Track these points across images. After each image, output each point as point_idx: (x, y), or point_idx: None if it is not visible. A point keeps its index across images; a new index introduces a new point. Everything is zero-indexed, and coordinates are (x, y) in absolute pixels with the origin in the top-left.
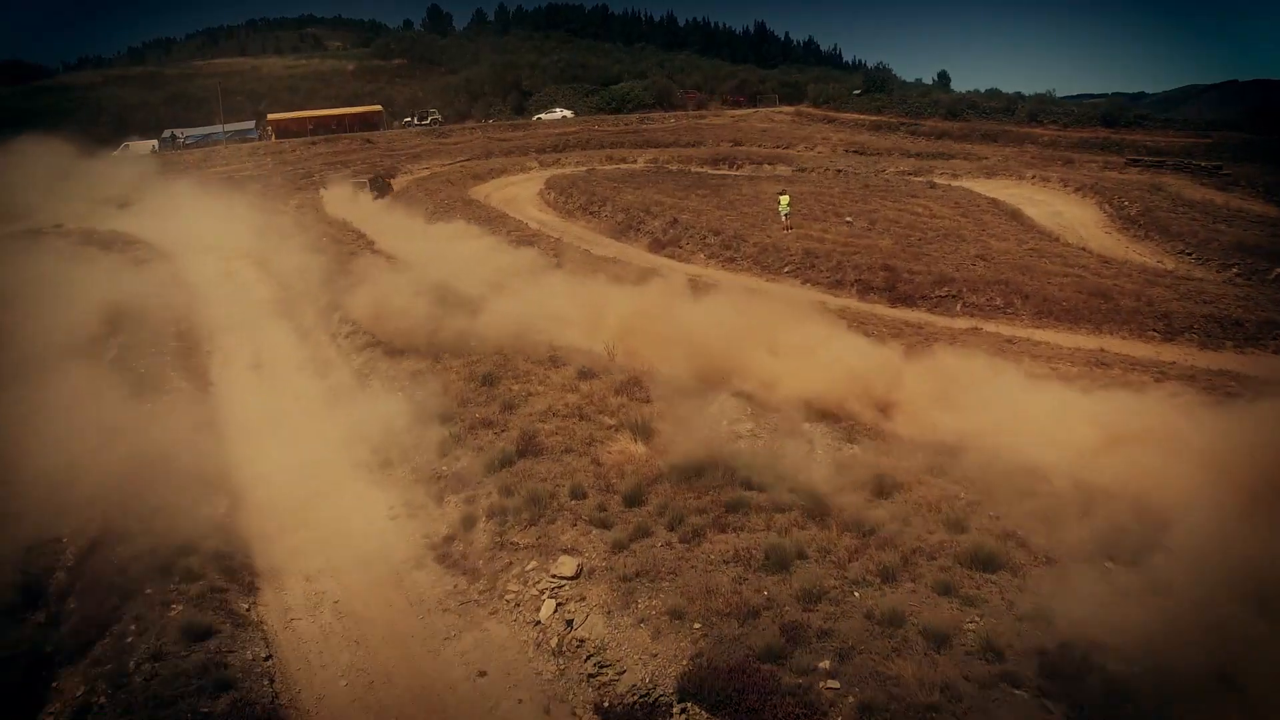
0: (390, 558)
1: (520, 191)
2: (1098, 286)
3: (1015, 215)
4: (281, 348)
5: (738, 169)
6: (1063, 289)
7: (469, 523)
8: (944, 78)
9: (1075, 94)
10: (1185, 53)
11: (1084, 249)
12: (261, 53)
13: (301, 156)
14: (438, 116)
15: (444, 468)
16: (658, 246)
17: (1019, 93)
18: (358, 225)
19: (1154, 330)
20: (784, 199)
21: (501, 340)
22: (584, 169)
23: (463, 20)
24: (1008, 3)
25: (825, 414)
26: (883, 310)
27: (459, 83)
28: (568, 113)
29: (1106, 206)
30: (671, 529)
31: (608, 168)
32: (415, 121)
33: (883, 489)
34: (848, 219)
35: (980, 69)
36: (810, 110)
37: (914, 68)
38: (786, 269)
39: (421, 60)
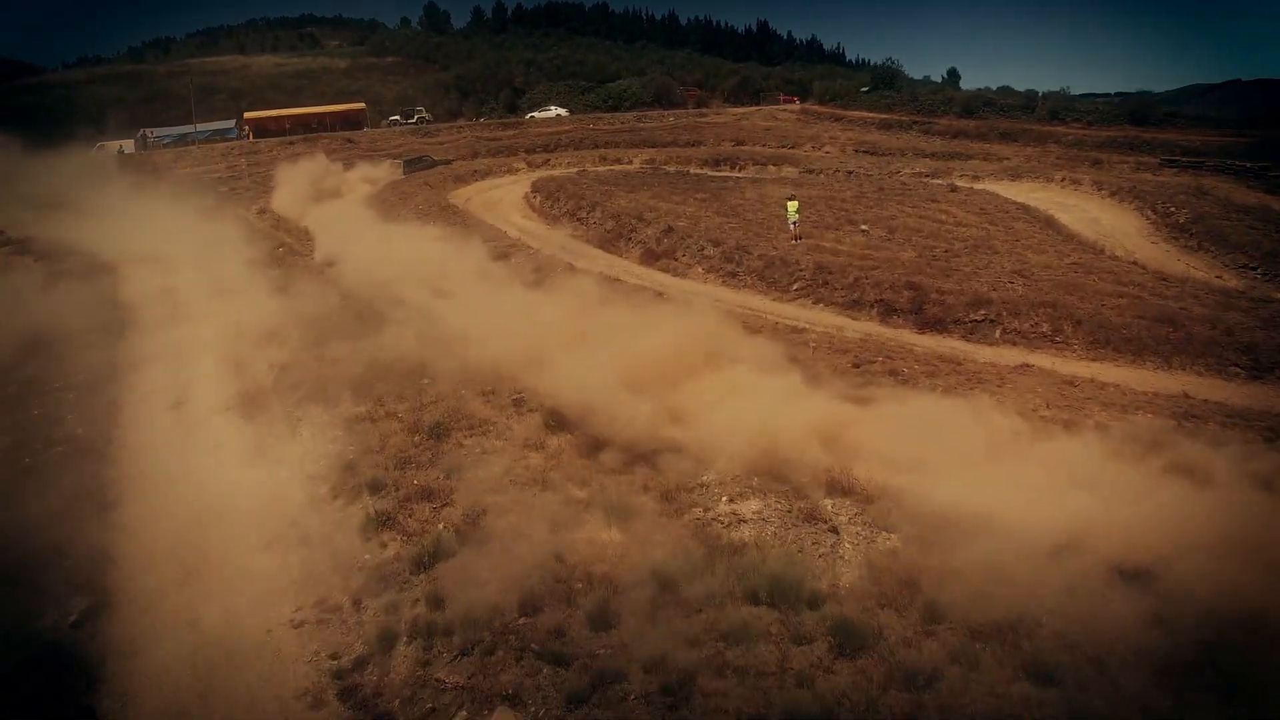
0: (282, 692)
1: (504, 195)
2: (1162, 311)
3: (1049, 223)
4: (210, 381)
5: (740, 170)
6: (1120, 313)
7: (387, 641)
8: (954, 75)
9: (1080, 94)
10: (1189, 52)
11: (1134, 263)
12: (259, 52)
13: (276, 157)
14: (425, 115)
15: (367, 556)
16: (650, 258)
17: (1033, 90)
18: (316, 233)
19: (1237, 366)
20: (792, 205)
21: (460, 378)
22: (575, 170)
23: (461, 19)
24: (1012, 2)
25: (850, 489)
26: (910, 338)
27: (450, 80)
28: (562, 111)
29: (1149, 212)
30: (649, 670)
31: (600, 169)
32: (401, 120)
33: (937, 611)
34: (863, 227)
35: (984, 67)
36: (816, 108)
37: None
38: (796, 287)
39: (416, 58)
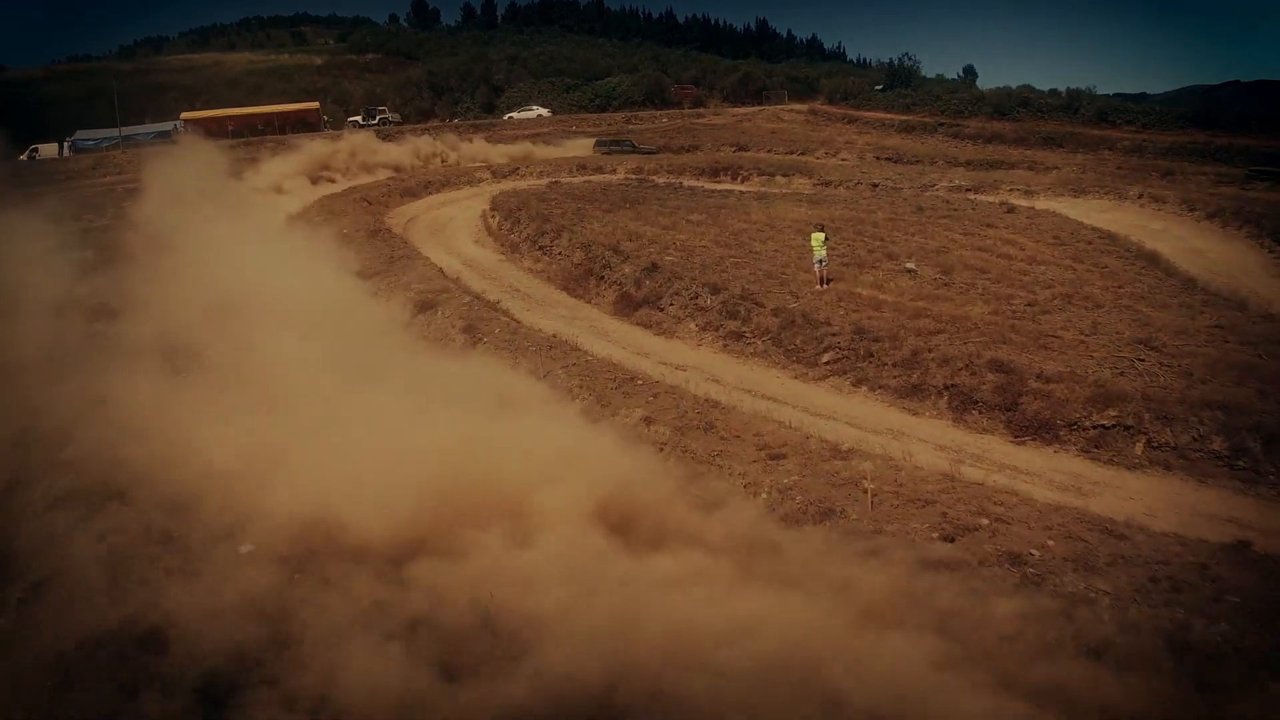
0: None
1: (458, 212)
2: None
3: (1151, 259)
4: None
5: (743, 183)
6: None
7: None
8: (970, 73)
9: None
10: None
11: None
12: (249, 50)
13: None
14: (388, 115)
15: None
16: (627, 307)
17: (1057, 89)
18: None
19: None
20: (818, 237)
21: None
22: (547, 182)
23: (453, 17)
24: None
25: None
26: (1001, 449)
27: (421, 77)
28: (544, 111)
29: (1266, 241)
30: None
31: (576, 180)
32: (362, 121)
33: None
34: (909, 265)
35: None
36: (826, 108)
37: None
38: (827, 359)
39: (397, 55)
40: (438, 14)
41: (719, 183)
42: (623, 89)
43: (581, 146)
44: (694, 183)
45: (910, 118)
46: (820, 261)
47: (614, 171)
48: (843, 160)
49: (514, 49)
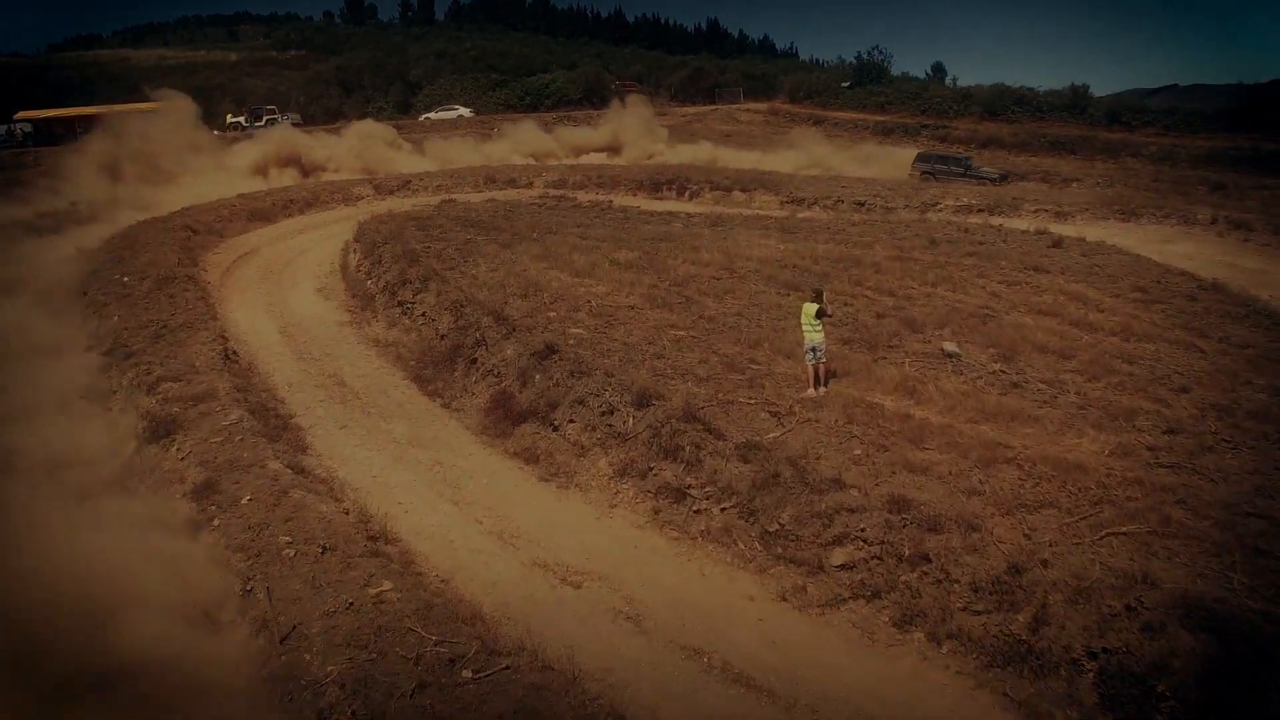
0: None
1: (314, 244)
2: None
3: None
4: None
5: (692, 199)
6: None
7: None
8: (940, 71)
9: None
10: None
11: None
12: (184, 48)
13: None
14: (277, 116)
15: None
16: (504, 419)
17: (1032, 87)
18: None
19: None
20: (810, 311)
21: None
22: (439, 199)
23: (389, 13)
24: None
25: None
26: None
27: (329, 73)
28: (466, 111)
29: None
30: None
31: (477, 198)
32: (245, 124)
33: None
34: (947, 344)
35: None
36: (788, 107)
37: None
38: (840, 560)
39: (322, 51)
40: (374, 10)
41: (661, 200)
42: (557, 86)
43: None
44: (629, 201)
45: (886, 118)
46: (815, 350)
47: (529, 185)
48: (814, 170)
49: (443, 44)
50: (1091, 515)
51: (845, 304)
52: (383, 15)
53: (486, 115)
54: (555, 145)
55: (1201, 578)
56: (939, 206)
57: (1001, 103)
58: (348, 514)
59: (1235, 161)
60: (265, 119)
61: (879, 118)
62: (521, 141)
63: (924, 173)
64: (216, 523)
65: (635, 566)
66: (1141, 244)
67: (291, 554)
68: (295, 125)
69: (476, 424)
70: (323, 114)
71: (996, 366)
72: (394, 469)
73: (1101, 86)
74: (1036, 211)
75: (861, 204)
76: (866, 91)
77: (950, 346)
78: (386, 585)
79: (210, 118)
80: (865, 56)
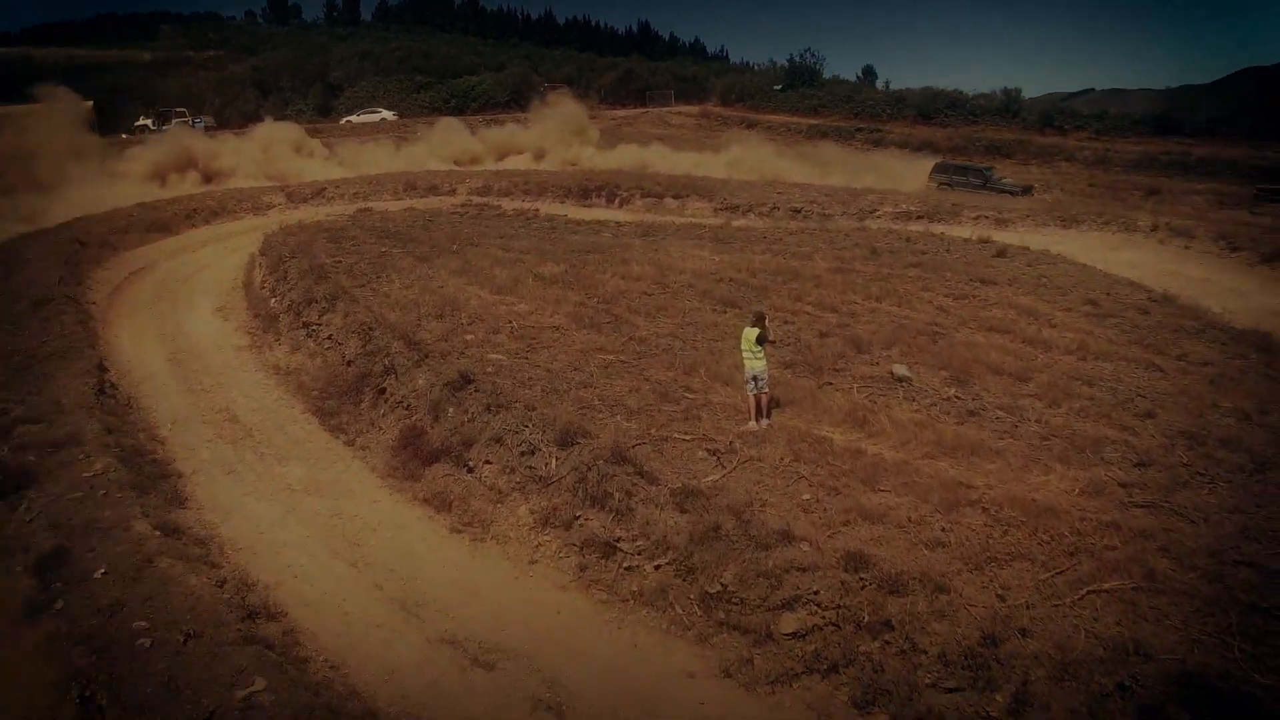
0: None
1: (215, 259)
2: None
3: (1258, 344)
4: None
5: (623, 207)
6: None
7: None
8: (870, 74)
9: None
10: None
11: None
12: (93, 47)
13: None
14: (188, 119)
15: None
16: (414, 458)
17: (961, 90)
18: None
19: None
20: (751, 336)
21: None
22: (354, 209)
23: (314, 14)
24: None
25: None
26: None
27: (244, 74)
28: (389, 114)
29: None
30: None
31: (395, 206)
32: (154, 127)
33: None
34: (897, 367)
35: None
36: (720, 110)
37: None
38: (791, 628)
39: (242, 51)
40: (298, 10)
41: (590, 207)
42: (484, 88)
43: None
44: (556, 209)
45: (819, 120)
46: (756, 379)
47: (452, 192)
48: (749, 174)
49: (367, 45)
50: (1069, 569)
51: (786, 322)
52: (307, 15)
53: (411, 118)
54: (481, 148)
55: (1198, 645)
56: (877, 213)
57: (934, 106)
58: (224, 585)
59: (1166, 166)
60: (175, 121)
61: (812, 121)
62: (444, 145)
63: (941, 184)
64: (60, 604)
65: (558, 638)
66: (1085, 252)
67: (148, 644)
68: (208, 129)
69: (383, 464)
70: (239, 117)
71: (951, 391)
72: (286, 523)
73: (1024, 90)
74: (977, 218)
75: (798, 211)
76: (799, 94)
77: (900, 370)
78: (259, 684)
79: (120, 121)
80: (797, 59)
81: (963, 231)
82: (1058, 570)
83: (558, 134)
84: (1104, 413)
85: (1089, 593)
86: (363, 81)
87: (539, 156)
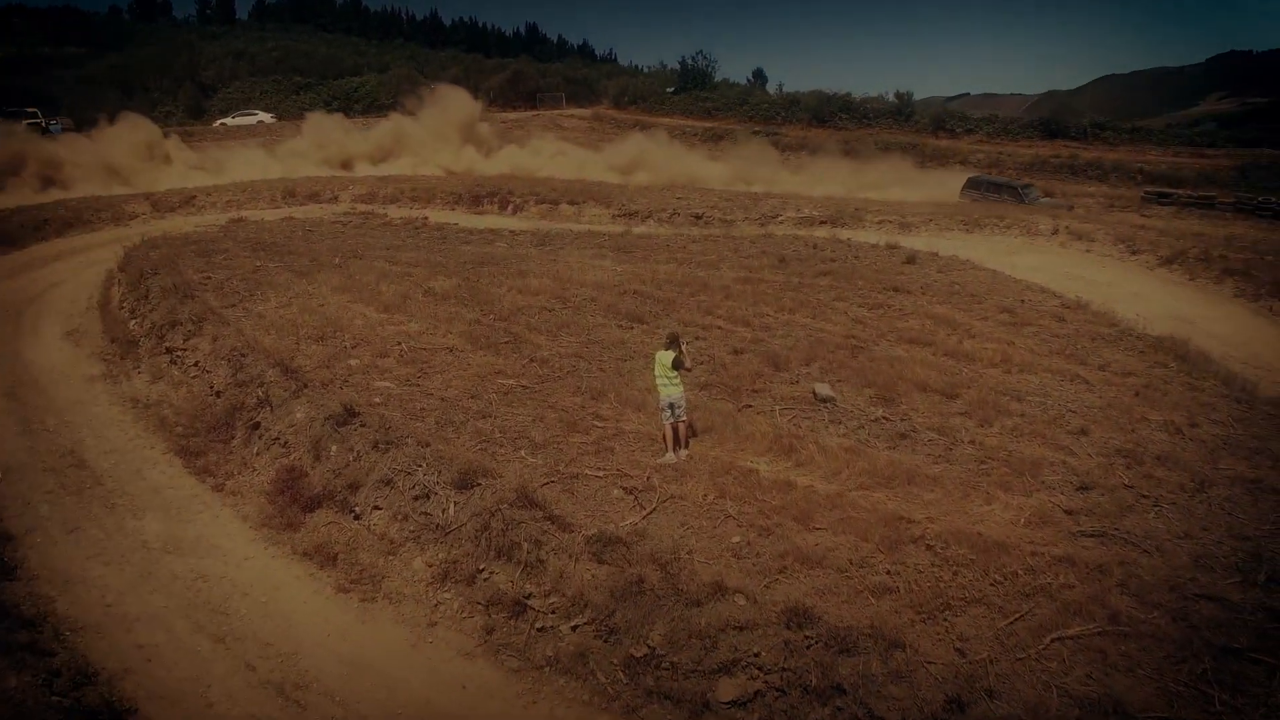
0: None
1: (68, 275)
2: None
3: (1175, 351)
4: None
5: (516, 214)
6: None
7: None
8: (760, 76)
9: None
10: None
11: None
12: None
13: None
14: (41, 120)
15: None
16: (292, 504)
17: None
18: None
19: None
20: (664, 359)
21: None
22: (227, 218)
23: (185, 10)
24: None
25: None
26: None
27: (103, 72)
28: (267, 117)
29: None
30: None
31: (272, 215)
32: None
33: None
34: (819, 387)
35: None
36: (613, 113)
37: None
38: (730, 695)
39: (106, 48)
40: (168, 6)
41: (482, 214)
42: (368, 89)
43: None
44: (445, 217)
45: (714, 124)
46: (673, 407)
47: (334, 200)
48: (647, 179)
49: (242, 44)
50: (1027, 614)
51: (697, 337)
52: (178, 12)
53: (292, 120)
54: (365, 147)
55: (1176, 698)
56: (780, 219)
57: (828, 109)
58: (54, 682)
59: (1058, 169)
60: (25, 123)
61: (707, 124)
62: (321, 146)
63: (974, 200)
64: None
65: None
66: (991, 256)
67: None
68: (65, 130)
69: (257, 512)
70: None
71: (878, 411)
72: (139, 591)
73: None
74: (880, 223)
75: (699, 217)
76: (692, 97)
77: (823, 389)
78: None
79: None
80: (690, 62)
81: (869, 237)
82: (1017, 616)
83: (445, 133)
84: (1037, 431)
85: (1053, 640)
86: (237, 82)
87: (422, 158)
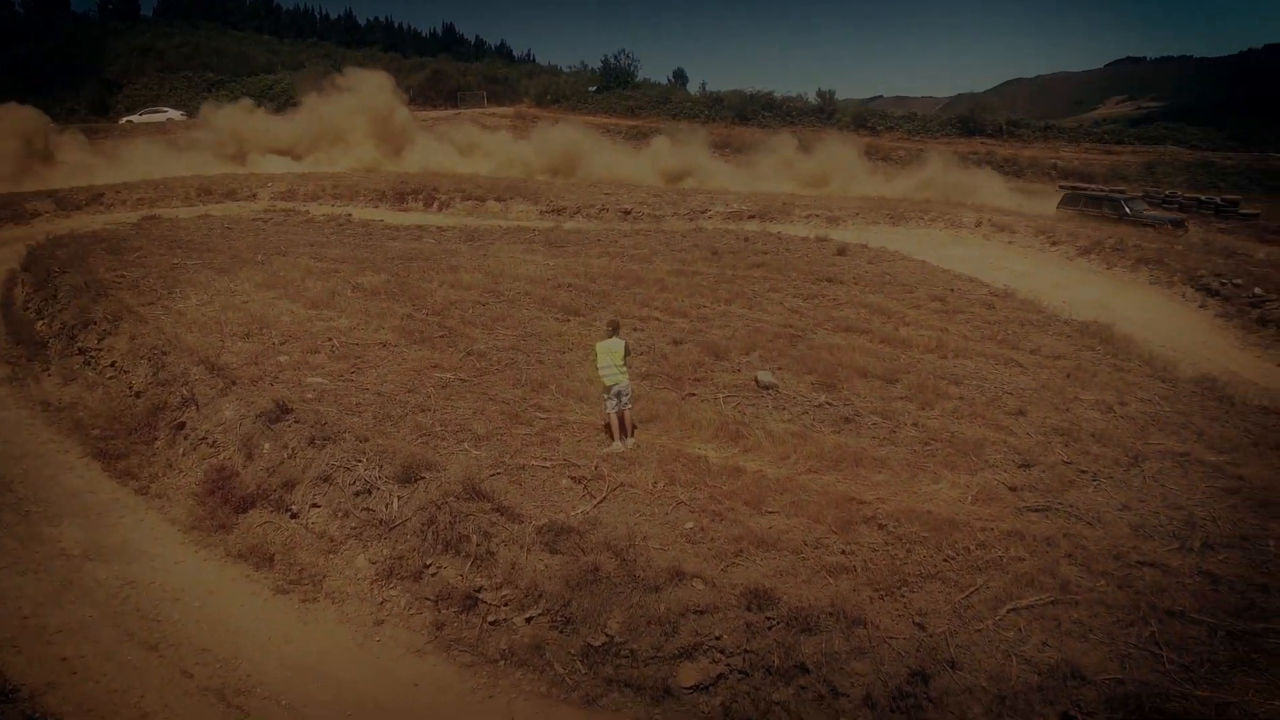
0: None
1: None
2: None
3: (1099, 334)
4: None
5: (442, 210)
6: None
7: None
8: (681, 77)
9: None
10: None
11: None
12: None
13: None
14: None
15: None
16: (224, 506)
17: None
18: None
19: None
20: (613, 348)
21: None
22: (139, 216)
23: (86, 4)
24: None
25: None
26: None
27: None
28: (176, 113)
29: (1184, 290)
30: None
31: (187, 213)
32: None
33: None
34: (761, 374)
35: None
36: (535, 111)
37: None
38: (691, 681)
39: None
40: (67, 2)
41: (407, 210)
42: (282, 86)
43: None
44: (370, 214)
45: (638, 122)
46: (620, 395)
47: (252, 197)
48: (573, 179)
49: (148, 40)
50: (982, 587)
51: (635, 329)
52: (78, 6)
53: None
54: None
55: (1129, 660)
56: (708, 214)
57: (751, 107)
58: None
59: (976, 165)
60: None
61: (631, 122)
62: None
63: (1073, 212)
64: None
65: (421, 717)
66: (919, 249)
67: None
68: None
69: (186, 515)
70: None
71: (821, 397)
72: (61, 601)
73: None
74: (809, 217)
75: (628, 212)
76: (615, 96)
77: (766, 376)
78: None
79: None
80: (613, 60)
81: (799, 230)
82: (972, 589)
83: (363, 123)
84: (977, 413)
85: (1009, 611)
86: (145, 79)
87: (342, 150)
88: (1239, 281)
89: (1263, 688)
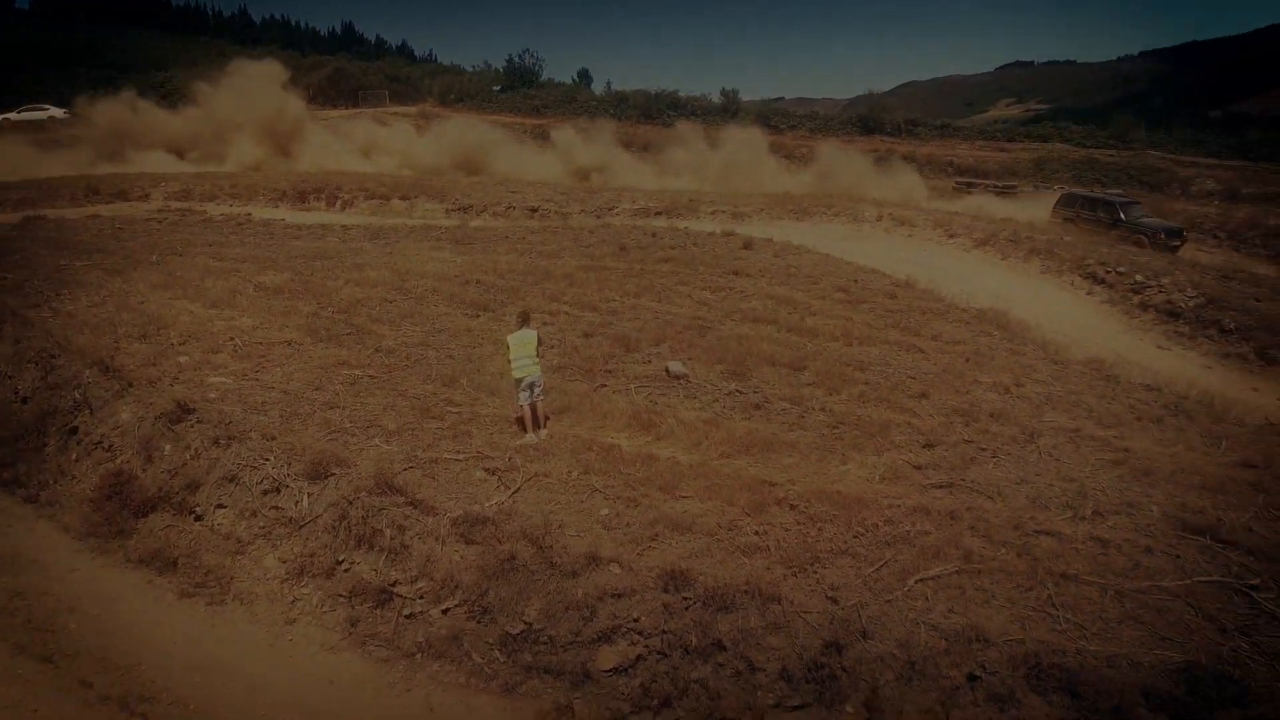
0: None
1: None
2: None
3: (995, 321)
4: None
5: (345, 209)
6: None
7: None
8: (586, 76)
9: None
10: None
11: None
12: None
13: None
14: None
15: None
16: (123, 512)
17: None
18: None
19: None
20: (526, 339)
21: None
22: (20, 216)
23: None
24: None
25: None
26: None
27: None
28: (58, 111)
29: (1073, 278)
30: None
31: (74, 213)
32: None
33: None
34: (672, 365)
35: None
36: (440, 110)
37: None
38: (610, 664)
39: None
40: None
41: (309, 210)
42: (175, 84)
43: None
44: (269, 213)
45: (545, 121)
46: (534, 386)
47: (145, 197)
48: (478, 178)
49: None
50: (890, 560)
51: (545, 323)
52: None
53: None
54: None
55: (1028, 621)
56: (615, 210)
57: (656, 106)
58: None
59: (876, 162)
60: None
61: (538, 121)
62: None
63: (1065, 219)
64: None
65: (337, 713)
66: (823, 242)
67: None
68: None
69: (81, 522)
70: None
71: (731, 386)
72: None
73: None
74: (715, 213)
75: (535, 210)
76: (520, 95)
77: (676, 366)
78: None
79: None
80: (517, 60)
81: (705, 226)
82: (881, 563)
83: (256, 117)
84: (882, 397)
85: (917, 582)
86: (24, 76)
87: (236, 145)
88: (1122, 270)
89: (1147, 640)
